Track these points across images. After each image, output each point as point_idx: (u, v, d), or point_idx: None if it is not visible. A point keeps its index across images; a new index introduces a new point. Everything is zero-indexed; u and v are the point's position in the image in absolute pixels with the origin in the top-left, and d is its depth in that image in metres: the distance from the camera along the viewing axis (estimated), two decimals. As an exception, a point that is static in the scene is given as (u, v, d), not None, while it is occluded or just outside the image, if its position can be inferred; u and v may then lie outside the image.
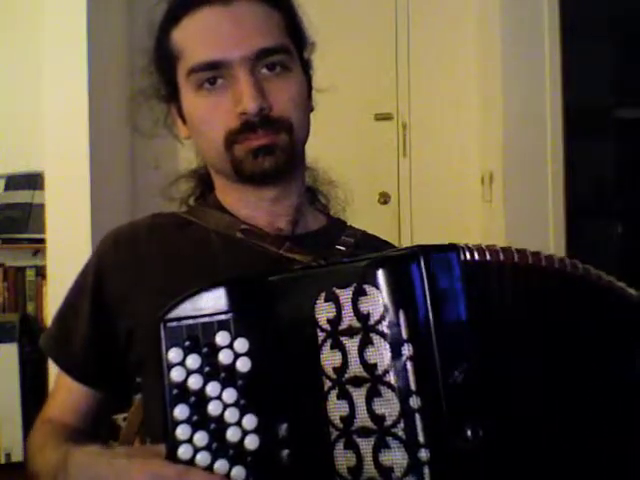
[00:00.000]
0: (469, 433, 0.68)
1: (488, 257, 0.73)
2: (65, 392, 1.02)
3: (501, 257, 0.74)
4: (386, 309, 0.69)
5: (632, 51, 2.74)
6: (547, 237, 2.62)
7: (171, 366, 0.75)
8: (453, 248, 0.73)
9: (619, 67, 2.74)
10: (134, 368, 0.96)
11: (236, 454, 0.74)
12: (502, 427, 0.70)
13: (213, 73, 0.93)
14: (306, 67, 1.03)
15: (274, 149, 0.93)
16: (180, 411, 0.74)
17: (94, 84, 2.57)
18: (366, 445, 0.70)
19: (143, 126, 1.10)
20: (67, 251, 2.46)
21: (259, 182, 0.97)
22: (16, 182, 2.90)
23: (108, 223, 1.06)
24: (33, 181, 2.86)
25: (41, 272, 2.82)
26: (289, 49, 0.97)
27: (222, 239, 0.99)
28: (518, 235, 2.56)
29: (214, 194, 1.05)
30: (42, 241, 2.65)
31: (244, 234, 0.98)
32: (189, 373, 0.75)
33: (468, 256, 0.73)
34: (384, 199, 3.08)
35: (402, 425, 0.68)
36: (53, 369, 2.52)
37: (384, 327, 0.69)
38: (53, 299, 2.52)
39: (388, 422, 0.68)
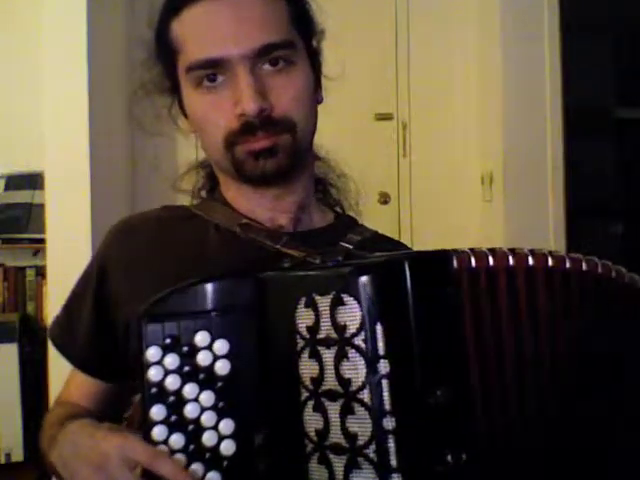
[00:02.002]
0: (449, 458, 0.63)
1: (481, 263, 0.68)
2: (76, 381, 1.03)
3: (508, 261, 0.69)
4: (363, 321, 0.64)
5: (632, 51, 2.72)
6: (547, 237, 2.61)
7: (149, 365, 0.73)
8: (443, 255, 0.68)
9: (619, 67, 2.73)
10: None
11: (212, 458, 0.72)
12: (489, 451, 0.66)
13: (212, 70, 0.90)
14: (314, 57, 0.99)
15: (276, 150, 0.90)
16: (157, 411, 0.72)
17: (94, 84, 2.56)
18: (338, 463, 0.66)
19: (144, 122, 1.09)
20: (67, 251, 2.45)
21: (260, 183, 0.95)
22: (16, 182, 2.89)
23: (108, 223, 1.05)
24: (33, 181, 2.85)
25: (41, 272, 2.82)
26: (293, 42, 0.92)
27: (221, 234, 0.97)
28: (518, 235, 2.55)
29: (219, 188, 1.04)
30: (42, 241, 2.64)
31: (242, 229, 0.96)
32: (167, 373, 0.73)
33: (461, 263, 0.68)
34: (384, 199, 3.07)
35: (374, 447, 0.64)
36: (53, 369, 2.52)
37: (360, 341, 0.64)
38: (53, 299, 2.52)
39: (360, 442, 0.64)
